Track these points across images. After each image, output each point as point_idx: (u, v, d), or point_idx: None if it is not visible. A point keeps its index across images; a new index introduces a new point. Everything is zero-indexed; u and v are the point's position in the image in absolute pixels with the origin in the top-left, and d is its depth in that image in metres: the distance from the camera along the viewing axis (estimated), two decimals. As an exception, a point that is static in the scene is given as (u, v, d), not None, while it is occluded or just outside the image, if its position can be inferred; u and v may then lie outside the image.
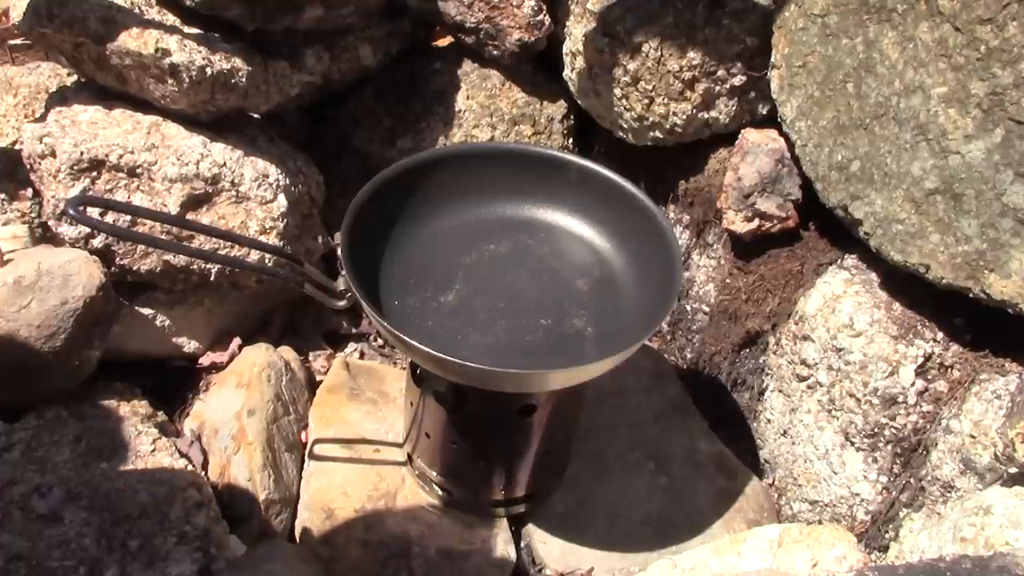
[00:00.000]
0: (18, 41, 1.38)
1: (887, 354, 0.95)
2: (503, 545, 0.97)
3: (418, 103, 1.29)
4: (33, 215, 1.07)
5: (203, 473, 0.97)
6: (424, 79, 1.30)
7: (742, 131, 1.14)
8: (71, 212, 0.71)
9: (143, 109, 1.04)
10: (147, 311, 1.08)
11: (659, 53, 1.11)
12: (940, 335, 0.95)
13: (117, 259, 1.02)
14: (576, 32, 1.20)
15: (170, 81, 0.99)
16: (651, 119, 1.16)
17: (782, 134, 1.08)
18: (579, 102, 1.28)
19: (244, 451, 0.98)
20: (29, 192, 1.07)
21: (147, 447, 0.94)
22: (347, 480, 1.00)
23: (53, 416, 0.94)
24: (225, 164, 1.05)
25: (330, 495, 0.99)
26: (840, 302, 1.00)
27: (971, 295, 0.86)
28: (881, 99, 0.92)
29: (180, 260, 1.03)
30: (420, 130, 1.28)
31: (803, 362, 1.04)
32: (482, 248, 0.94)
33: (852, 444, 0.99)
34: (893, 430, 0.95)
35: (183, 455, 0.97)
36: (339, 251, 0.82)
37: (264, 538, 0.95)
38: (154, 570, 0.83)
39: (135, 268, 1.03)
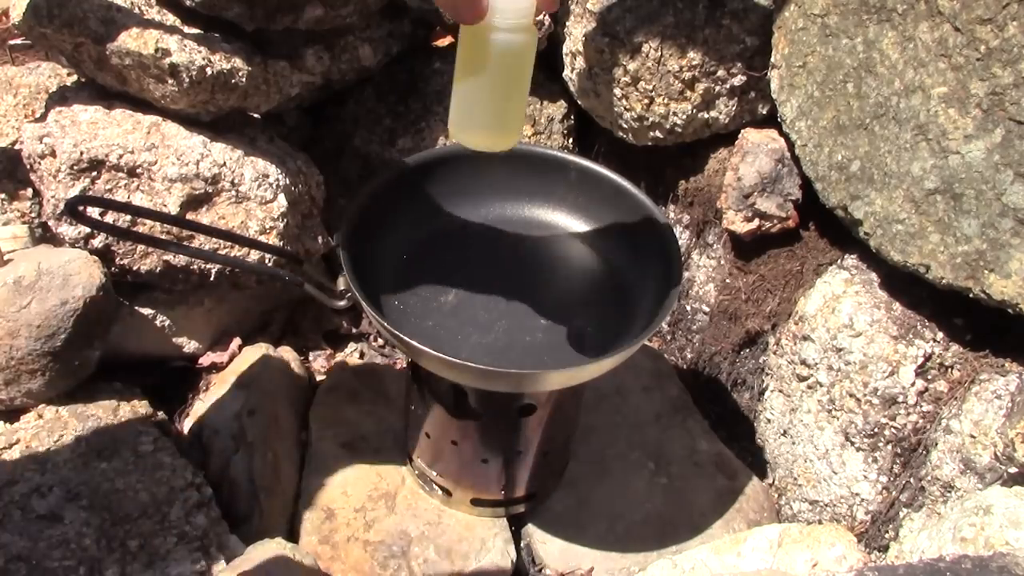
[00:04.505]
0: (18, 41, 1.38)
1: (887, 354, 0.95)
2: (503, 545, 0.97)
3: (418, 103, 1.29)
4: (33, 215, 1.07)
5: (203, 473, 0.97)
6: (424, 79, 1.30)
7: (742, 131, 1.14)
8: (71, 212, 0.71)
9: (143, 109, 1.04)
10: (147, 311, 1.08)
11: (659, 53, 1.11)
12: (940, 335, 0.95)
13: (117, 259, 1.02)
14: (576, 32, 1.20)
15: (170, 81, 0.99)
16: (651, 119, 1.16)
17: (782, 134, 1.08)
18: (579, 102, 1.28)
19: (244, 451, 0.98)
20: (29, 192, 1.07)
21: (147, 447, 0.94)
22: (347, 480, 1.00)
23: (53, 416, 0.94)
24: (225, 164, 1.05)
25: (330, 495, 0.99)
26: (840, 302, 1.00)
27: (971, 295, 0.86)
28: (881, 99, 0.92)
29: (180, 260, 1.03)
30: (420, 130, 1.28)
31: (803, 362, 1.04)
32: (482, 248, 0.94)
33: (852, 444, 0.99)
34: (893, 430, 0.95)
35: (183, 455, 0.97)
36: (339, 251, 0.82)
37: (264, 538, 0.95)
38: (154, 570, 0.83)
39: (135, 268, 1.03)
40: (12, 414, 0.95)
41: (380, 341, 1.28)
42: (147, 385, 1.07)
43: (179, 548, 0.85)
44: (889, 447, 0.96)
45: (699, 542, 0.98)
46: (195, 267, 1.05)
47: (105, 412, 0.97)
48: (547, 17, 1.23)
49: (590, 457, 1.06)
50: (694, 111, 1.14)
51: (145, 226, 1.01)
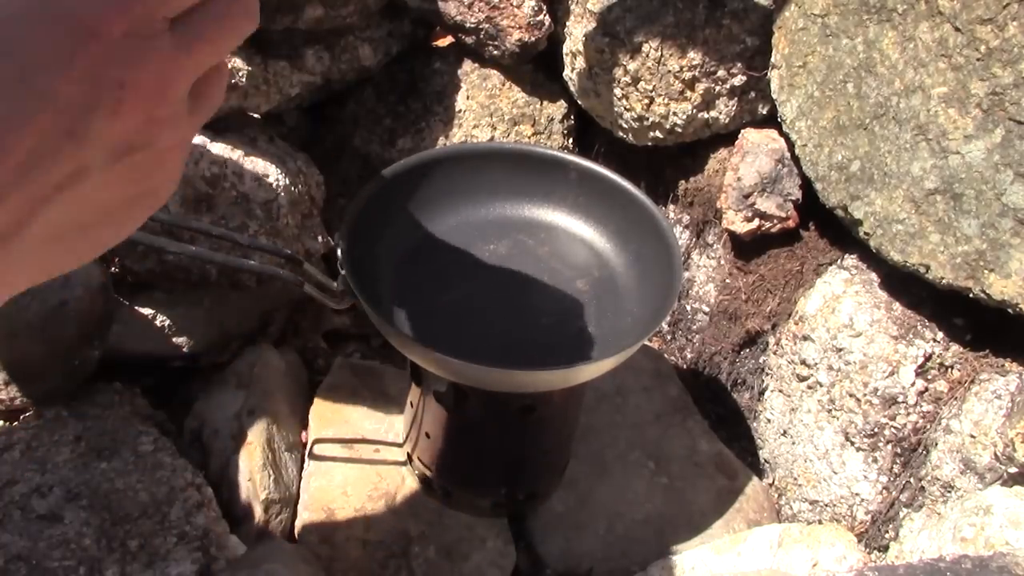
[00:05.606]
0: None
1: (887, 354, 0.95)
2: (503, 545, 0.97)
3: (418, 103, 1.29)
4: (33, 215, 1.07)
5: (203, 473, 0.97)
6: (424, 79, 1.30)
7: (742, 131, 1.14)
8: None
9: (143, 109, 1.04)
10: (147, 311, 1.08)
11: (659, 53, 1.11)
12: (940, 335, 0.95)
13: (117, 259, 1.02)
14: (576, 32, 1.20)
15: (170, 81, 0.99)
16: (651, 119, 1.16)
17: (782, 134, 1.08)
18: (579, 102, 1.28)
19: (244, 451, 0.98)
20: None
21: (147, 447, 0.94)
22: (347, 480, 1.00)
23: (53, 416, 0.94)
24: (225, 164, 1.05)
25: (330, 495, 0.99)
26: (840, 302, 1.00)
27: (971, 295, 0.86)
28: (881, 99, 0.92)
29: (180, 260, 1.03)
30: (420, 130, 1.28)
31: (803, 362, 1.04)
32: (482, 248, 0.94)
33: (852, 444, 0.98)
34: (893, 430, 0.95)
35: (183, 455, 0.97)
36: (339, 251, 0.82)
37: (264, 538, 0.95)
38: (154, 570, 0.83)
39: (135, 268, 1.03)
40: (12, 414, 0.95)
41: (380, 341, 1.27)
42: (147, 385, 1.07)
43: (179, 548, 0.85)
44: (889, 447, 0.96)
45: (699, 542, 0.98)
46: (195, 267, 1.05)
47: (105, 412, 0.97)
48: (547, 17, 1.23)
49: (590, 457, 1.06)
50: (694, 111, 1.14)
51: (145, 226, 1.01)
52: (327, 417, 1.08)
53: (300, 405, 1.11)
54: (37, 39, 0.26)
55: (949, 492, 0.90)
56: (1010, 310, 0.84)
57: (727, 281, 1.18)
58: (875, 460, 0.97)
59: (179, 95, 0.30)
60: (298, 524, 0.98)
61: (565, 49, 1.25)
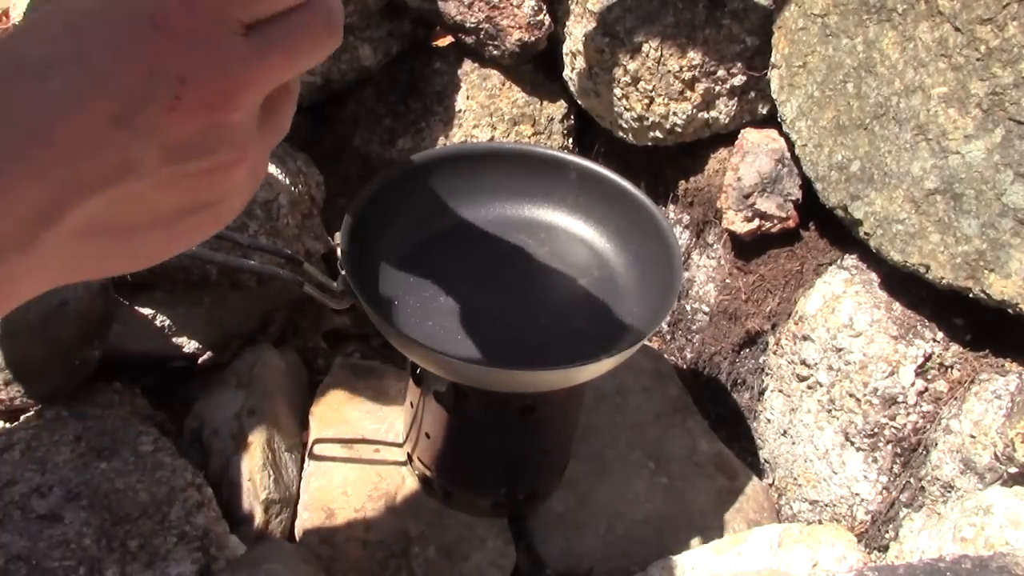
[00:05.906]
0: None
1: (887, 354, 0.95)
2: (503, 545, 0.97)
3: (418, 103, 1.29)
4: (33, 215, 1.07)
5: (203, 473, 0.97)
6: (424, 79, 1.30)
7: (742, 131, 1.14)
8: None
9: (143, 109, 1.04)
10: (147, 311, 1.08)
11: (659, 53, 1.11)
12: (940, 335, 0.95)
13: (117, 259, 1.02)
14: (576, 32, 1.20)
15: (170, 81, 0.99)
16: (651, 119, 1.16)
17: (782, 134, 1.08)
18: (579, 102, 1.28)
19: (244, 451, 0.98)
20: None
21: (147, 447, 0.94)
22: (347, 480, 1.00)
23: (53, 416, 0.94)
24: (225, 164, 1.05)
25: (330, 495, 0.99)
26: (840, 302, 1.00)
27: (971, 295, 0.86)
28: (881, 99, 0.92)
29: (180, 260, 1.03)
30: (420, 130, 1.28)
31: (803, 362, 1.04)
32: (482, 248, 0.94)
33: (852, 444, 0.99)
34: (893, 430, 0.95)
35: (183, 455, 0.97)
36: (339, 251, 0.82)
37: (264, 538, 0.95)
38: (154, 570, 0.83)
39: (135, 268, 1.03)
40: (12, 414, 0.95)
41: (380, 341, 1.27)
42: (147, 385, 1.07)
43: (179, 548, 0.85)
44: (889, 447, 0.96)
45: (699, 542, 0.98)
46: (195, 267, 1.05)
47: (105, 412, 0.97)
48: (547, 17, 1.23)
49: (590, 457, 1.06)
50: (694, 111, 1.14)
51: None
52: (327, 417, 1.08)
53: (300, 405, 1.11)
54: (102, 23, 0.26)
55: (949, 492, 0.90)
56: (1010, 310, 0.84)
57: (727, 281, 1.18)
58: (875, 460, 0.97)
59: (248, 104, 0.28)
60: (298, 524, 0.98)
61: (565, 49, 1.25)
